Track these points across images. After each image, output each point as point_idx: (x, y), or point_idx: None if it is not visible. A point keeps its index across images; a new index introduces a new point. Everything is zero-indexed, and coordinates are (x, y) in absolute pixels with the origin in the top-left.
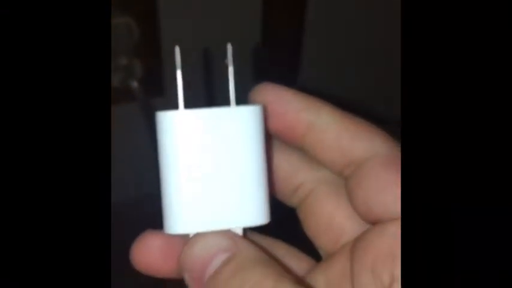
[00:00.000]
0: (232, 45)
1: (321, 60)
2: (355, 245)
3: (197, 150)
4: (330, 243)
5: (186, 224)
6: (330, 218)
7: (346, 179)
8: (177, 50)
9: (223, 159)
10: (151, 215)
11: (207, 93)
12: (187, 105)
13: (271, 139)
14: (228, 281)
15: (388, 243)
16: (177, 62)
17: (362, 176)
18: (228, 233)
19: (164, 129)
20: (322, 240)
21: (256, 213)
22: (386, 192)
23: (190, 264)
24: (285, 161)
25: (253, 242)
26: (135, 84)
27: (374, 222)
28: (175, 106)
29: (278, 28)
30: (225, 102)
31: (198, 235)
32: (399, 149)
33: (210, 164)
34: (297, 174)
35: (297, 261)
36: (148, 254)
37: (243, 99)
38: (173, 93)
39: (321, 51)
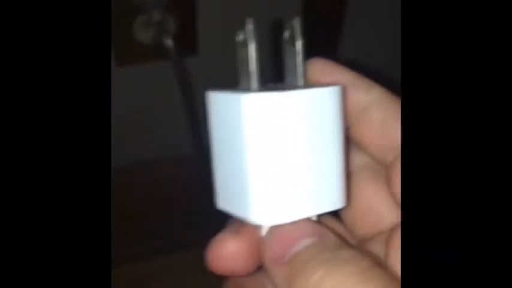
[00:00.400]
0: (270, 17)
1: (362, 36)
2: (392, 235)
3: (280, 136)
4: (366, 229)
5: (274, 214)
6: (368, 203)
7: (388, 165)
8: (251, 24)
9: (304, 144)
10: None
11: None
12: (235, 82)
13: None
14: (312, 260)
15: None
16: (250, 37)
17: None
18: (311, 221)
19: (243, 114)
20: (357, 224)
21: (335, 198)
22: None
23: (273, 244)
24: None
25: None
26: (169, 41)
27: None
28: (209, 66)
29: (318, 2)
30: (274, 78)
31: None
32: None
33: (292, 150)
34: None
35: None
36: (226, 259)
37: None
38: (207, 53)
39: (363, 27)
